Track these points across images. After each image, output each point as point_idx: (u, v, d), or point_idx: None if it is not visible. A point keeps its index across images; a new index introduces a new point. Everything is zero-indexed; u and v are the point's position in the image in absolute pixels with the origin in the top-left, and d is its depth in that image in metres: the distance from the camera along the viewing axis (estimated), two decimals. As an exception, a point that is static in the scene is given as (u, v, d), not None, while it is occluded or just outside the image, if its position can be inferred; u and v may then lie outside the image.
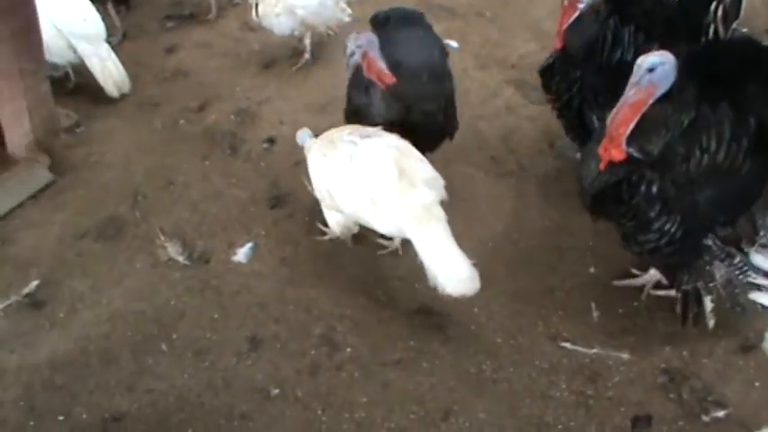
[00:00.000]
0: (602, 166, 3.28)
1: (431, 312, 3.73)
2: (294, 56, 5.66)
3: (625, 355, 3.52)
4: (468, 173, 4.58)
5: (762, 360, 3.48)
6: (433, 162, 3.66)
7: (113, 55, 5.15)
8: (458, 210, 4.23)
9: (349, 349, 3.56)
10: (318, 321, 3.68)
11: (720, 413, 3.31)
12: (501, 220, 4.21)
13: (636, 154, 3.18)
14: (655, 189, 3.17)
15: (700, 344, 3.56)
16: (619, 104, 3.18)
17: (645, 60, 3.13)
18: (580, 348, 3.55)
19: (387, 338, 3.60)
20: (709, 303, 3.39)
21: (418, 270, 3.80)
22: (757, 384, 3.43)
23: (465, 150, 4.70)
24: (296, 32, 5.40)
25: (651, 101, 3.15)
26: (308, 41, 5.54)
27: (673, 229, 3.21)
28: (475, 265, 3.41)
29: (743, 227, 3.16)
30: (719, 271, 3.29)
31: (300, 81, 5.47)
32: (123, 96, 5.21)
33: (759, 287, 3.08)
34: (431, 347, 3.56)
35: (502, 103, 5.18)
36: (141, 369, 3.47)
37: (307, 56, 5.60)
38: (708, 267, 3.30)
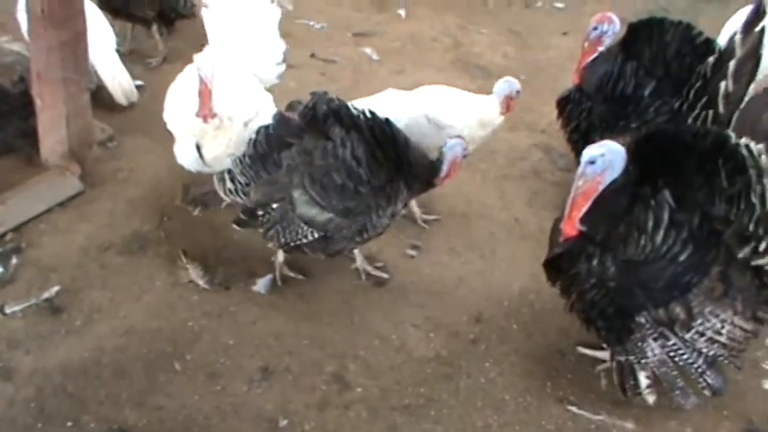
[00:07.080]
0: (561, 238, 3.38)
1: (443, 362, 3.75)
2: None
3: (630, 425, 3.54)
4: (492, 231, 4.65)
5: (764, 445, 3.52)
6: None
7: (121, 65, 5.34)
8: (477, 266, 4.31)
9: (359, 389, 3.58)
10: (331, 359, 3.71)
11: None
12: (519, 281, 4.26)
13: (586, 231, 3.27)
14: (595, 263, 3.24)
15: (705, 421, 3.58)
16: (572, 191, 3.27)
17: (586, 153, 3.20)
18: (586, 413, 3.57)
19: (397, 383, 3.63)
20: (644, 379, 3.41)
21: (433, 319, 3.86)
22: (758, 468, 3.45)
23: (490, 209, 4.82)
24: None
25: (600, 188, 3.22)
26: None
27: (603, 304, 3.28)
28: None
29: (678, 312, 3.18)
30: (653, 350, 3.31)
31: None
32: (151, 115, 5.27)
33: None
34: (440, 396, 3.59)
35: (529, 166, 5.26)
36: (152, 386, 3.50)
37: None
38: (639, 344, 3.31)
